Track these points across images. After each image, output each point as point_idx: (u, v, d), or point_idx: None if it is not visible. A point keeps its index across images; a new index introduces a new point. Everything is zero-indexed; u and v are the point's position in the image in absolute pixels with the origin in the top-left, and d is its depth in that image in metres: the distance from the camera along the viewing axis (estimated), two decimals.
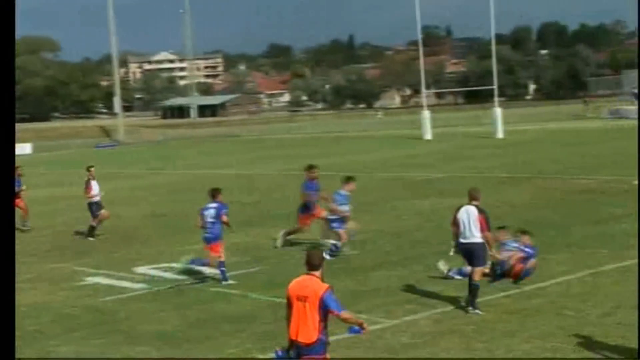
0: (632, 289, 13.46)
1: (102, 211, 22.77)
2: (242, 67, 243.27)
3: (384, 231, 20.78)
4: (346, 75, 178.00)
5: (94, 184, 22.79)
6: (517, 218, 21.37)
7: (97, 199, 22.72)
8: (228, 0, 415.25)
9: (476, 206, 13.36)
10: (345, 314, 8.94)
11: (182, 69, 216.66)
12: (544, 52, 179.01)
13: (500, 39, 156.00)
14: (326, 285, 8.87)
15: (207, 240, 16.42)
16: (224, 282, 16.00)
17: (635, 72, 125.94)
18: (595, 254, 16.36)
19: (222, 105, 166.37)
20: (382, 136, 67.62)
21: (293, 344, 8.83)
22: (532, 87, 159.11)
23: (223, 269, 16.21)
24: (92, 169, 23.04)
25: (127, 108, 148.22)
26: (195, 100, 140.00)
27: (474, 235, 13.22)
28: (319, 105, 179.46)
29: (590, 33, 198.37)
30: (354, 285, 15.24)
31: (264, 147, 62.96)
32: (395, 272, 16.09)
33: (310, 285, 8.83)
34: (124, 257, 19.67)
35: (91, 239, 22.37)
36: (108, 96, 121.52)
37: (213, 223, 16.34)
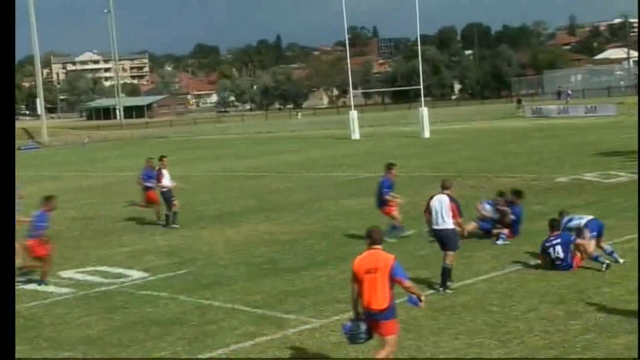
0: (556, 285, 13.74)
1: (175, 201, 23.03)
2: (168, 68, 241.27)
3: (313, 231, 20.80)
4: (274, 75, 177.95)
5: (166, 173, 23.10)
6: None
7: (167, 187, 23.01)
8: (153, 0, 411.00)
9: (448, 195, 14.31)
10: (408, 282, 10.02)
11: (107, 69, 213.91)
12: (468, 52, 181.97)
13: (426, 39, 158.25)
14: (393, 256, 9.89)
15: None
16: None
17: (556, 72, 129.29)
18: (519, 251, 16.64)
19: (149, 107, 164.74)
20: (311, 136, 67.75)
21: (367, 313, 9.73)
22: (457, 86, 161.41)
23: None
24: (165, 159, 23.65)
25: (50, 109, 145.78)
26: (121, 102, 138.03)
27: (445, 221, 14.08)
28: (247, 106, 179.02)
29: (513, 34, 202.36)
30: (283, 285, 15.20)
31: (192, 148, 62.48)
32: (324, 272, 16.11)
33: (378, 257, 9.82)
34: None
35: (175, 225, 22.62)
36: (31, 97, 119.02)
37: None
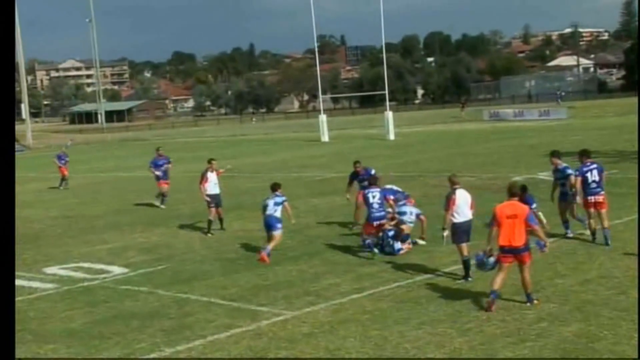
0: (512, 277, 13.82)
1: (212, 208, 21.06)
2: (147, 74, 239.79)
3: (285, 228, 20.74)
4: (247, 81, 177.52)
5: (212, 177, 21.08)
6: None
7: (209, 194, 20.99)
8: (133, 10, 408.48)
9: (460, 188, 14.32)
10: (537, 226, 12.53)
11: (89, 76, 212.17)
12: (430, 59, 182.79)
13: (390, 47, 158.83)
14: (527, 206, 12.57)
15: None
16: None
17: (512, 78, 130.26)
18: (479, 245, 16.70)
19: (129, 111, 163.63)
20: (282, 139, 67.66)
21: (508, 249, 12.05)
22: (420, 91, 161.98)
23: None
24: (214, 162, 21.54)
25: (35, 114, 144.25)
26: (102, 106, 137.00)
27: (468, 214, 14.13)
28: (223, 110, 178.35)
29: (471, 42, 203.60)
30: (256, 280, 15.17)
31: (170, 150, 62.02)
32: (295, 267, 16.10)
33: (517, 207, 12.25)
34: (34, 258, 19.06)
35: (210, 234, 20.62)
36: (16, 103, 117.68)
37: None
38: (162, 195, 26.88)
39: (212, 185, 21.12)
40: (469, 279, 13.88)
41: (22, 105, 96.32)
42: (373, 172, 19.38)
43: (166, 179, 27.32)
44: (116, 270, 16.92)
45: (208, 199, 20.97)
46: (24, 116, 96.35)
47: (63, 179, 36.52)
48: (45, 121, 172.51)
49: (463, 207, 14.00)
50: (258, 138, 72.49)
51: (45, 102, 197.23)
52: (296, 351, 10.94)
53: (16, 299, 14.92)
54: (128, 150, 66.09)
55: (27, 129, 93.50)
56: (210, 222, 20.97)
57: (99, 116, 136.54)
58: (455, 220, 14.02)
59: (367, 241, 16.58)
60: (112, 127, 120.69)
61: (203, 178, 21.16)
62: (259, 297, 13.91)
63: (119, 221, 24.35)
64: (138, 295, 14.62)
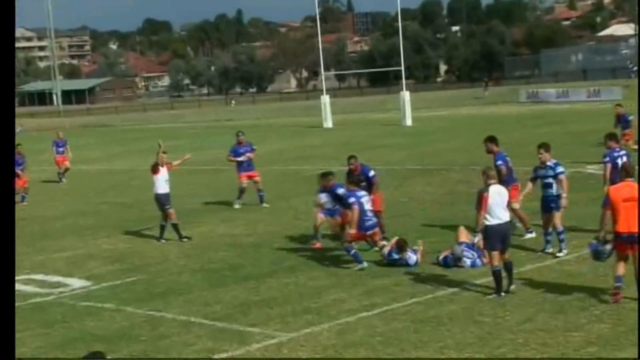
0: (554, 293, 13.85)
1: None
2: (113, 47, 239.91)
3: (279, 233, 20.82)
4: (234, 55, 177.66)
5: (162, 173, 21.13)
6: (427, 216, 21.78)
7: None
8: None
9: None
10: None
11: (42, 48, 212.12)
12: (455, 28, 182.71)
13: (407, 13, 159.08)
14: None
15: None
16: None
17: (555, 51, 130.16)
18: (513, 254, 16.74)
19: (91, 91, 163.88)
20: (277, 124, 67.74)
21: (624, 236, 12.69)
22: (442, 67, 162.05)
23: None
24: (164, 155, 21.34)
25: None
26: (58, 85, 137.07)
27: (506, 214, 14.29)
28: (205, 90, 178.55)
29: (506, 8, 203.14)
30: (245, 295, 15.22)
31: (141, 138, 62.21)
32: (291, 279, 16.14)
33: (634, 188, 12.86)
34: None
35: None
36: None
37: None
38: (240, 192, 25.63)
39: (162, 183, 20.98)
40: (502, 293, 13.91)
41: None
42: (372, 173, 19.14)
43: (251, 170, 25.77)
44: (76, 283, 16.97)
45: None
46: None
47: (62, 170, 36.41)
48: None
49: (495, 208, 14.01)
50: (248, 124, 72.35)
51: None
52: None
53: (50, 298, 15.00)
54: (90, 139, 66.15)
55: None
56: (162, 227, 20.96)
57: (55, 97, 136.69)
58: (487, 223, 14.07)
59: (353, 251, 16.79)
60: (71, 110, 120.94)
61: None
62: (248, 315, 13.96)
63: (79, 224, 24.41)
64: (102, 313, 14.68)
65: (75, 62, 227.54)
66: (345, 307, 14.04)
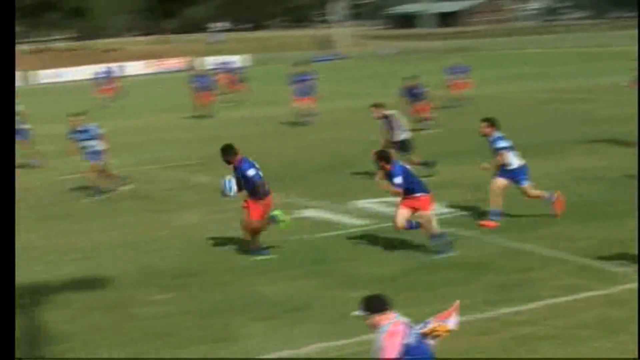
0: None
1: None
2: None
3: None
4: None
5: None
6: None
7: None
8: None
9: None
10: None
11: None
12: None
13: None
14: None
15: None
16: None
17: None
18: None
19: (461, 13, 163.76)
20: None
21: None
22: None
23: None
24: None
25: (354, 16, 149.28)
26: (429, 7, 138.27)
27: None
28: (577, 14, 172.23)
29: None
30: (610, 233, 14.61)
31: (509, 64, 61.43)
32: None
33: None
34: (341, 189, 19.91)
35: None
36: (326, 3, 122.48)
37: None
38: None
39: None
40: None
41: (336, 6, 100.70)
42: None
43: None
44: (440, 209, 16.52)
45: None
46: (336, 18, 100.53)
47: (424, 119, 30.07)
48: (362, 25, 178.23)
49: None
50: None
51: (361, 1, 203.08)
52: None
53: (321, 234, 15.73)
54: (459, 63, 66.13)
55: (339, 33, 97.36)
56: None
57: (424, 19, 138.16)
58: None
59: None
60: (436, 33, 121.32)
61: None
62: (612, 254, 13.43)
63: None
64: (463, 242, 14.68)
65: None
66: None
